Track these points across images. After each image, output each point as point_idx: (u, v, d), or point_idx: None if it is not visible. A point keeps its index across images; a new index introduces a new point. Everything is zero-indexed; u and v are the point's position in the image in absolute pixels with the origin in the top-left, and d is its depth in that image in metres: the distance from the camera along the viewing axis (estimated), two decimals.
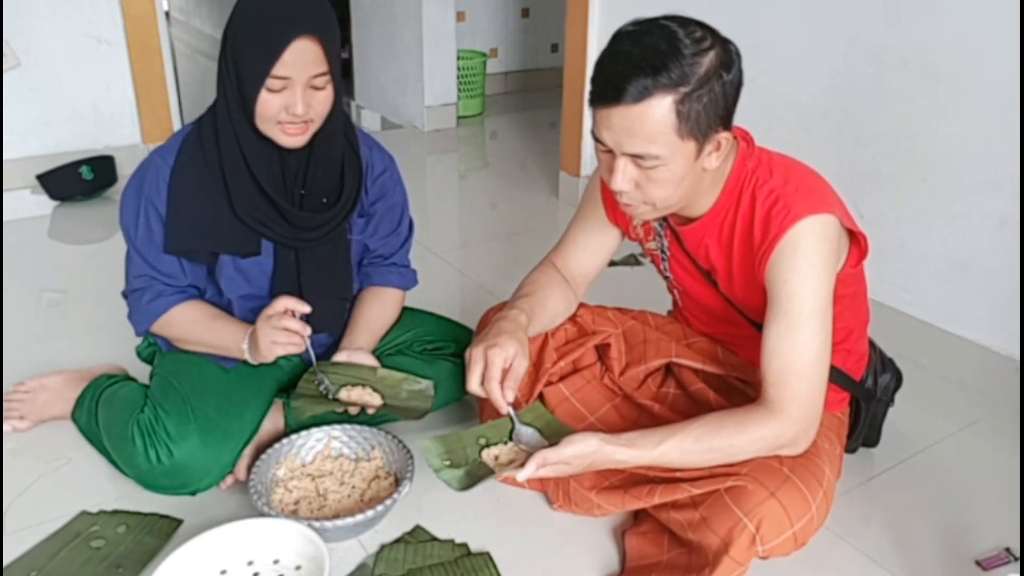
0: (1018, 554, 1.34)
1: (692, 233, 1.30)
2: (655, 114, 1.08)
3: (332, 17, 1.30)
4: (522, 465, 1.16)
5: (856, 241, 1.25)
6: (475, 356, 1.27)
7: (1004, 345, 1.82)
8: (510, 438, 1.29)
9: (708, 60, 1.08)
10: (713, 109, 1.10)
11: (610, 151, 1.15)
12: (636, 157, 1.13)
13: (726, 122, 1.14)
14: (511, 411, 1.27)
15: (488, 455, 1.27)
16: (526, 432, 1.29)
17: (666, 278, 1.47)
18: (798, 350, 1.16)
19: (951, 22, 1.76)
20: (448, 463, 1.25)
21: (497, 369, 1.24)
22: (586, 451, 1.16)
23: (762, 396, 1.19)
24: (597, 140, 1.16)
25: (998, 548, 1.37)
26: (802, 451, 1.20)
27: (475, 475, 1.22)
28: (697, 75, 1.07)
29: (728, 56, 1.11)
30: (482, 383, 1.26)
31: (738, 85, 1.13)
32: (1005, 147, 1.72)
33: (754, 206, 1.21)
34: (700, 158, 1.14)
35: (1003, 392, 1.80)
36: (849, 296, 1.33)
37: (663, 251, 1.41)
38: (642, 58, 1.07)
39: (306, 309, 1.33)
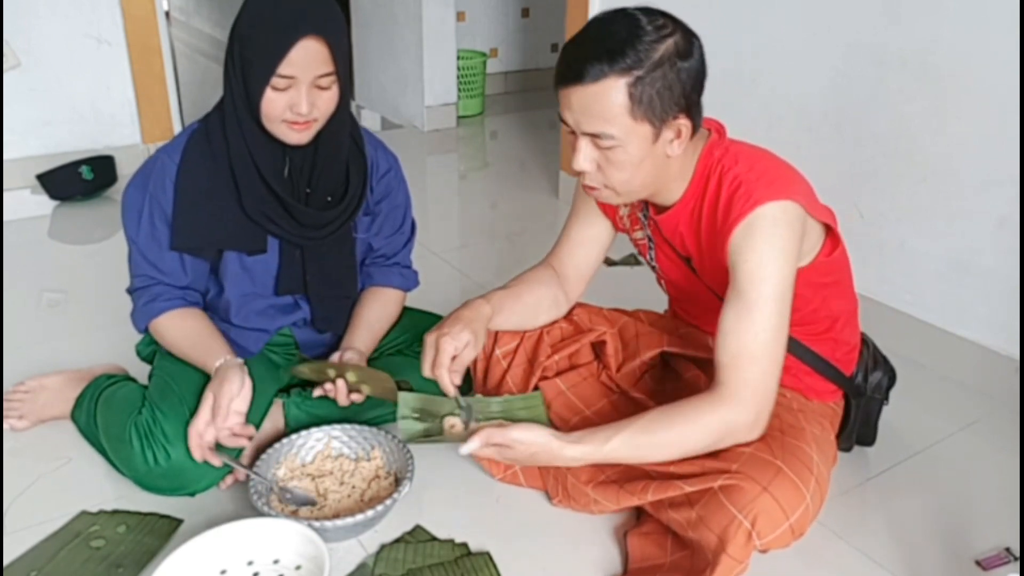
0: (1018, 554, 1.34)
1: (668, 221, 1.33)
2: (609, 95, 1.12)
3: (340, 18, 1.31)
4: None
5: (830, 231, 1.26)
6: (428, 343, 1.31)
7: (1004, 345, 1.82)
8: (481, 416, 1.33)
9: (664, 47, 1.12)
10: (668, 94, 1.14)
11: (573, 132, 1.20)
12: (594, 137, 1.17)
13: (687, 109, 1.17)
14: (456, 394, 1.30)
15: (447, 422, 1.31)
16: (468, 410, 1.33)
17: (653, 268, 1.49)
18: (753, 331, 1.17)
19: (951, 22, 1.76)
20: (416, 417, 1.31)
21: (446, 356, 1.27)
22: (532, 439, 1.18)
23: (715, 381, 1.20)
24: (562, 121, 1.20)
25: (998, 548, 1.37)
26: (757, 437, 1.20)
27: (428, 434, 1.28)
28: (651, 60, 1.12)
29: (687, 45, 1.15)
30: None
31: (697, 74, 1.16)
32: (1005, 147, 1.72)
33: (719, 192, 1.23)
34: (659, 143, 1.18)
35: (1003, 392, 1.80)
36: (831, 284, 1.34)
37: (649, 240, 1.42)
38: (602, 42, 1.13)
39: (242, 408, 1.34)
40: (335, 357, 1.48)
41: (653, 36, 1.12)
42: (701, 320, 1.49)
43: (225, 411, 1.31)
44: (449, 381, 1.28)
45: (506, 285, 1.47)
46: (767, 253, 1.17)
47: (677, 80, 1.13)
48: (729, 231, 1.19)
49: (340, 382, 1.40)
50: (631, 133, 1.15)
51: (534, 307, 1.48)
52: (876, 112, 1.94)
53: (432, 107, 3.87)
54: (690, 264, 1.37)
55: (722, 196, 1.22)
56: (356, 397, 1.42)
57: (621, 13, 1.16)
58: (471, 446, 1.20)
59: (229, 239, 1.41)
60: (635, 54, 1.11)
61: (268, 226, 1.40)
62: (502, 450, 1.20)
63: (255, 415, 1.47)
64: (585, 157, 1.20)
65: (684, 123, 1.18)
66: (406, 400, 1.34)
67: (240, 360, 1.39)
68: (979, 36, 1.72)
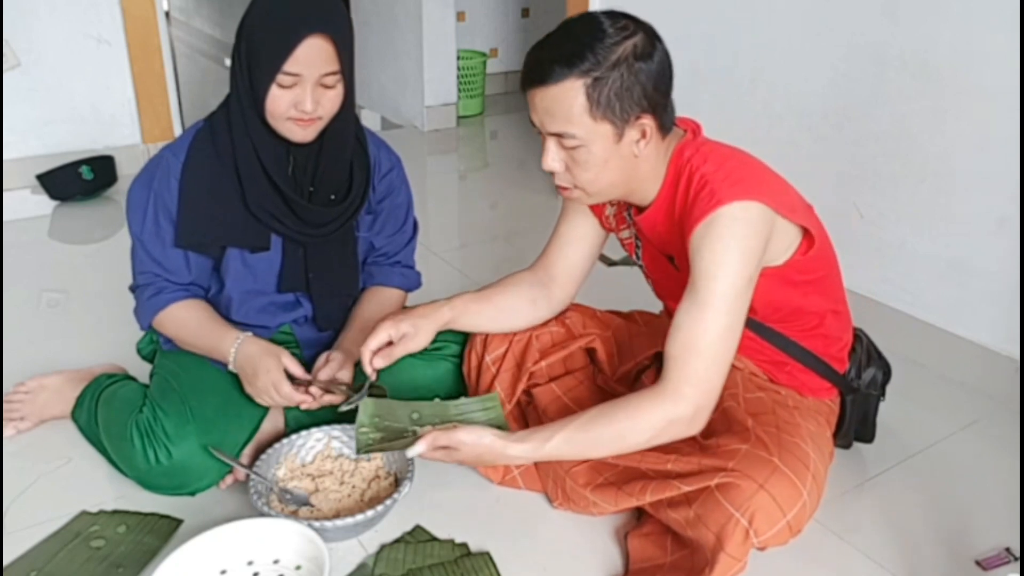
0: (1018, 554, 1.34)
1: (646, 221, 1.33)
2: (568, 96, 1.15)
3: (346, 17, 1.32)
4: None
5: (807, 232, 1.27)
6: (375, 324, 1.37)
7: (1004, 345, 1.82)
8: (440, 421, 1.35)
9: (622, 49, 1.15)
10: (628, 95, 1.15)
11: (541, 132, 1.22)
12: (559, 137, 1.19)
13: (651, 110, 1.18)
14: (374, 377, 1.35)
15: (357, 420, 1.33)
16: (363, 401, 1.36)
17: (640, 267, 1.49)
18: (702, 328, 1.18)
19: (951, 22, 1.76)
20: (374, 424, 1.33)
21: (375, 340, 1.34)
22: (477, 441, 1.22)
23: (661, 375, 1.21)
24: (531, 122, 1.23)
25: (998, 548, 1.37)
26: (696, 432, 1.21)
27: (383, 444, 1.30)
28: (609, 61, 1.14)
29: (648, 47, 1.16)
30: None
31: (658, 75, 1.17)
32: (1005, 147, 1.72)
33: (688, 191, 1.24)
34: (623, 143, 1.19)
35: (1003, 392, 1.80)
36: (812, 282, 1.34)
37: (635, 239, 1.43)
38: (564, 45, 1.16)
39: (307, 377, 1.39)
40: (323, 357, 1.47)
41: (614, 38, 1.14)
42: None
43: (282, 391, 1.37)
44: (369, 360, 1.33)
45: (480, 288, 1.49)
46: (724, 252, 1.17)
47: (636, 81, 1.15)
48: (691, 229, 1.20)
49: (314, 388, 1.40)
50: (593, 133, 1.17)
51: (508, 310, 1.48)
52: (876, 112, 1.95)
53: (432, 107, 3.87)
54: (673, 262, 1.38)
55: (690, 195, 1.22)
56: (332, 398, 1.42)
57: (586, 16, 1.19)
58: (417, 449, 1.23)
59: (232, 236, 1.41)
60: (594, 56, 1.13)
61: (272, 223, 1.41)
62: (450, 452, 1.24)
63: (254, 416, 1.48)
64: (552, 157, 1.23)
65: (649, 123, 1.19)
66: (367, 408, 1.34)
67: (250, 333, 1.42)
68: (979, 36, 1.72)
